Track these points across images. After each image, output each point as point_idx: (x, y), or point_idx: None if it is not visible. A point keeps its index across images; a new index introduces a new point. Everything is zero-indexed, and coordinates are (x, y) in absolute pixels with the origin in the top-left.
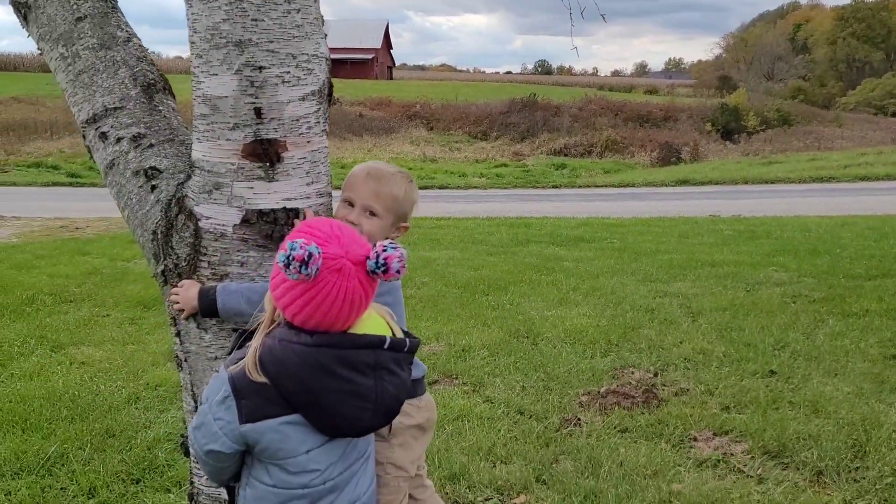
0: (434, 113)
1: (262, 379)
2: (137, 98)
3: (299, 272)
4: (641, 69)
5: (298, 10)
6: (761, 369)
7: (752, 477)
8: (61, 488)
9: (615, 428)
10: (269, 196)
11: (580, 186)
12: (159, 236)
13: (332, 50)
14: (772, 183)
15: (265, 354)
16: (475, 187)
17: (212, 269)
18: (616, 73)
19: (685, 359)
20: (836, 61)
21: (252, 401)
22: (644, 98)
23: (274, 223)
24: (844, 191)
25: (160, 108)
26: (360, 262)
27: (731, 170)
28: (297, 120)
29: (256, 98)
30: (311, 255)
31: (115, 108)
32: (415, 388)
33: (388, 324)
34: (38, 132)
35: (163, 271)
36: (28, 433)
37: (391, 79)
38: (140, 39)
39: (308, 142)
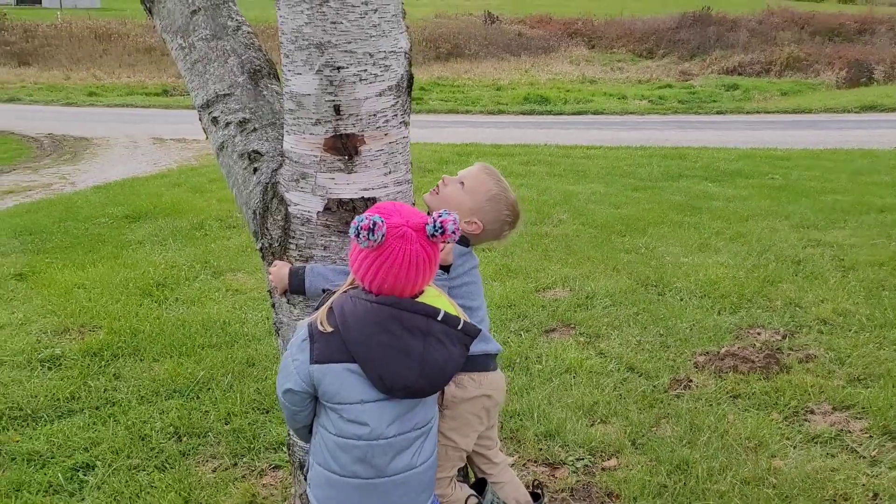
0: (596, 30)
1: (329, 328)
2: (244, 85)
3: (367, 239)
4: None
5: (376, 10)
6: None
7: (864, 458)
8: (204, 412)
9: (727, 393)
10: (349, 186)
11: (748, 112)
12: (258, 217)
13: None
14: None
15: (336, 307)
16: (632, 113)
17: (299, 251)
18: None
19: (822, 320)
20: None
21: (322, 345)
22: (837, 8)
23: (353, 211)
24: None
25: (265, 93)
26: (420, 229)
27: None
28: (375, 115)
29: (335, 96)
30: (374, 223)
31: (225, 95)
32: (482, 363)
33: (452, 307)
34: None
35: (260, 248)
36: (183, 357)
37: None
38: (250, 26)
39: (385, 135)
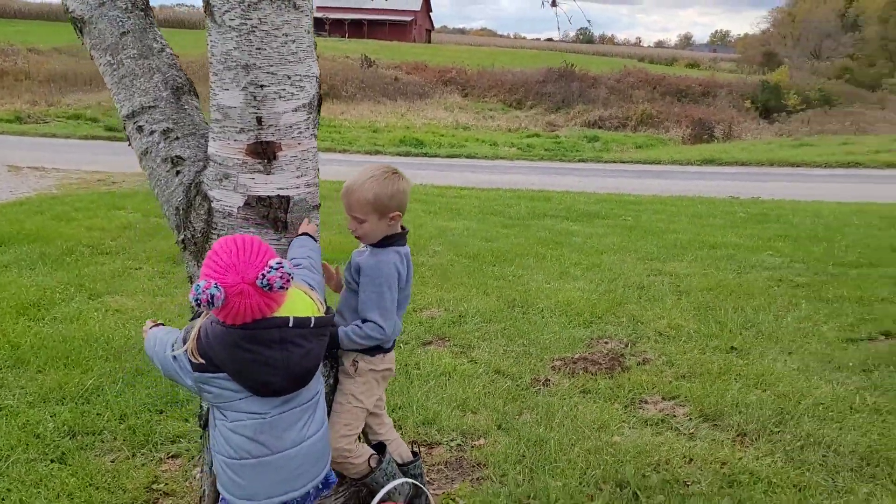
0: (470, 79)
1: (201, 361)
2: (168, 99)
3: (209, 307)
4: (685, 41)
5: (294, 41)
6: (724, 345)
7: (684, 434)
8: (97, 413)
9: (578, 389)
10: (267, 185)
11: (606, 162)
12: (181, 212)
13: (372, 11)
14: (798, 166)
15: (202, 332)
16: (502, 158)
17: None
18: (659, 45)
19: (658, 332)
20: (888, 40)
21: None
22: (684, 72)
23: (269, 206)
24: (870, 177)
25: (186, 107)
26: (254, 282)
27: (760, 151)
28: (291, 126)
29: (258, 109)
30: (213, 296)
31: (150, 107)
32: (388, 347)
33: (312, 303)
34: (78, 84)
35: (182, 240)
36: (69, 368)
37: (429, 42)
38: (171, 49)
39: (299, 144)
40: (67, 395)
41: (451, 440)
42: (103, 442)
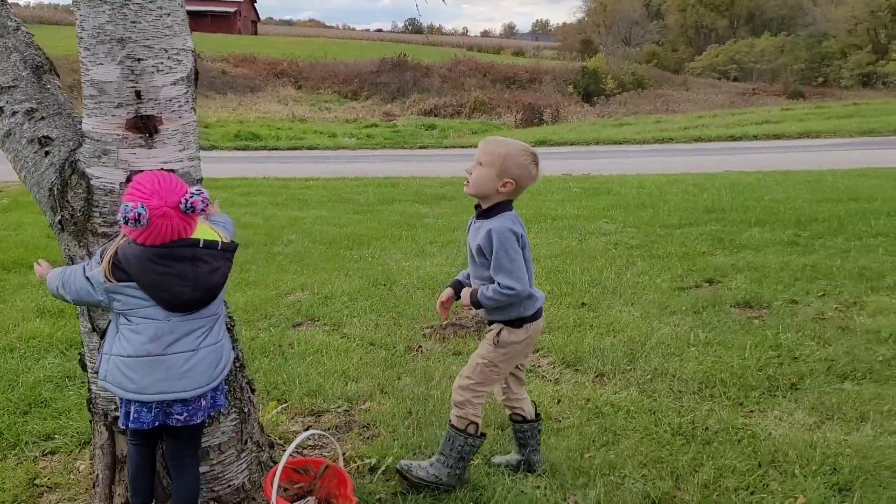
0: (302, 71)
1: (113, 281)
2: (28, 78)
3: (136, 226)
4: (510, 30)
5: (169, 14)
6: (575, 302)
7: (550, 381)
8: None
9: (451, 352)
10: (150, 160)
11: (447, 147)
12: (55, 193)
13: (191, 2)
14: (620, 144)
15: (120, 253)
16: (344, 148)
17: (103, 217)
18: (485, 34)
19: None
20: (686, 27)
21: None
22: (511, 60)
23: None
24: (681, 151)
25: (48, 86)
26: (176, 206)
27: (586, 131)
28: (171, 100)
29: (136, 83)
30: (139, 214)
31: (10, 87)
32: (534, 315)
33: (219, 236)
34: None
35: (60, 221)
36: None
37: (255, 34)
38: (27, 28)
39: (179, 117)
40: None
41: (338, 407)
42: None
